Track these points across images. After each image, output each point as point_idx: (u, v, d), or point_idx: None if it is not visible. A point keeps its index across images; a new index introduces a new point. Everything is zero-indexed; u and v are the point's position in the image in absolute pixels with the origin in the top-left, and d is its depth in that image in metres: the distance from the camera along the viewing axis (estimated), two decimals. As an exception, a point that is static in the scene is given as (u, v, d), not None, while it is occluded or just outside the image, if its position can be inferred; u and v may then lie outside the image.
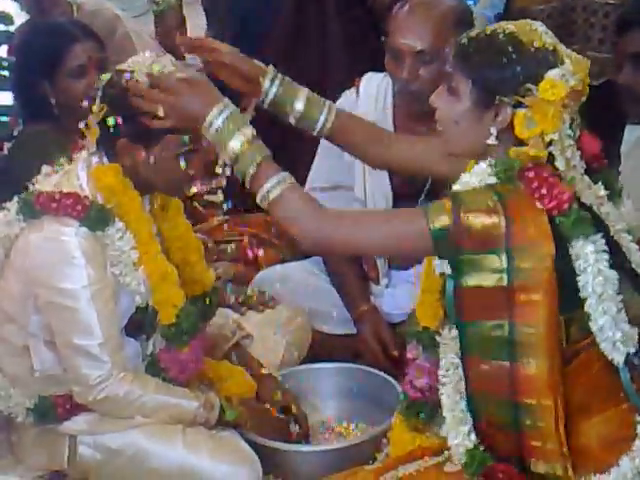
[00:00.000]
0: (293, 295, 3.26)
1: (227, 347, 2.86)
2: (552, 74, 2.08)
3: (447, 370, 2.24)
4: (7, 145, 3.48)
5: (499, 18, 3.93)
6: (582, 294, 2.06)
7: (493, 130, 2.13)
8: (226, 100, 2.23)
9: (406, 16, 3.03)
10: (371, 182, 3.18)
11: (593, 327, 2.08)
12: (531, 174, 2.08)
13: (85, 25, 3.31)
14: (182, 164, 2.50)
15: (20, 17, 4.14)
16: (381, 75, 3.22)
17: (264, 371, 2.89)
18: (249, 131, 2.19)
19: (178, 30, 4.74)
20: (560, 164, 2.11)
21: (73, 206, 2.47)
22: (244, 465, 2.60)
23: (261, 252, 3.68)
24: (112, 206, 2.51)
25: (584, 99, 2.15)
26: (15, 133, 3.49)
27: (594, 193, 2.16)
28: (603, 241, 2.07)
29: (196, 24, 4.75)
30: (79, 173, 2.55)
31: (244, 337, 2.89)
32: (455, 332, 2.21)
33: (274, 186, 2.15)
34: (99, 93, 2.49)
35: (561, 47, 2.15)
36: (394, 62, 3.04)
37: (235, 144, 2.17)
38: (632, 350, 2.09)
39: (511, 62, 2.10)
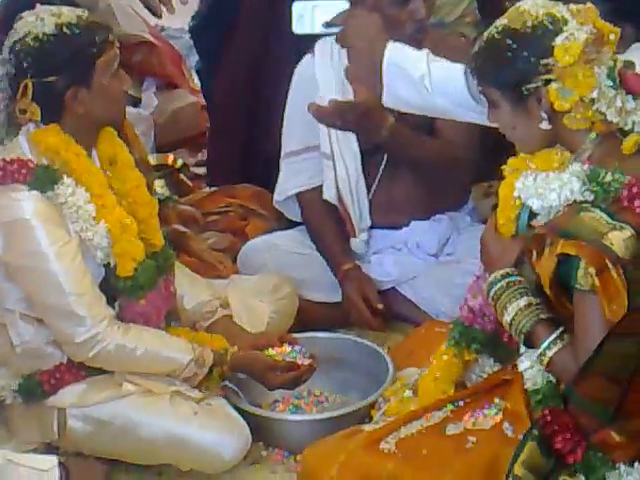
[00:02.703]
0: (280, 264, 3.27)
1: (206, 324, 2.84)
2: (559, 40, 2.10)
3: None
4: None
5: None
6: None
7: (543, 114, 2.15)
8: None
9: None
10: (337, 137, 3.19)
11: None
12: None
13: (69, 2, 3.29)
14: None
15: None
16: (331, 38, 3.14)
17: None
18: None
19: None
20: (611, 116, 2.11)
21: (18, 171, 2.50)
22: (232, 433, 2.62)
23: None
24: (58, 166, 2.54)
25: (614, 37, 2.13)
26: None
27: None
28: None
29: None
30: (21, 142, 2.58)
31: (225, 316, 2.87)
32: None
33: (546, 350, 2.15)
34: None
35: (559, 8, 2.15)
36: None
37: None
38: None
39: (515, 51, 2.14)
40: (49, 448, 2.65)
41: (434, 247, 3.32)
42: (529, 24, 2.14)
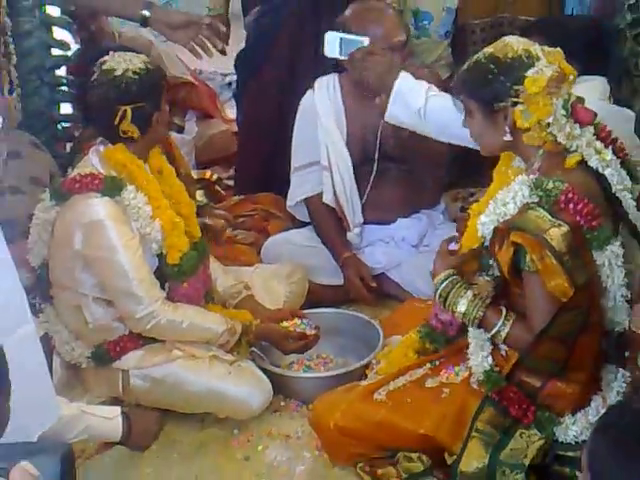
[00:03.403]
0: (294, 255, 3.24)
1: (234, 302, 2.84)
2: (530, 72, 2.10)
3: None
4: (69, 145, 3.50)
5: (449, 34, 3.85)
6: None
7: (507, 129, 2.14)
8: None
9: (390, 15, 3.04)
10: (333, 153, 3.18)
11: None
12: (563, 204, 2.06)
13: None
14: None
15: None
16: (327, 76, 3.24)
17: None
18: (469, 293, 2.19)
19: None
20: (561, 139, 2.11)
21: (92, 182, 2.49)
22: (258, 387, 2.63)
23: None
24: (123, 176, 2.54)
25: (572, 77, 2.14)
26: (76, 134, 3.51)
27: (602, 157, 2.14)
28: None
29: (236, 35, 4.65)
30: (92, 159, 2.58)
31: (248, 295, 2.87)
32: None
33: (501, 328, 2.15)
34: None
35: (535, 47, 2.14)
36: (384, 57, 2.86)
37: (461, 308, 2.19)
38: None
39: (495, 75, 2.13)
40: (115, 401, 2.64)
41: (415, 240, 3.29)
42: (509, 55, 2.13)
